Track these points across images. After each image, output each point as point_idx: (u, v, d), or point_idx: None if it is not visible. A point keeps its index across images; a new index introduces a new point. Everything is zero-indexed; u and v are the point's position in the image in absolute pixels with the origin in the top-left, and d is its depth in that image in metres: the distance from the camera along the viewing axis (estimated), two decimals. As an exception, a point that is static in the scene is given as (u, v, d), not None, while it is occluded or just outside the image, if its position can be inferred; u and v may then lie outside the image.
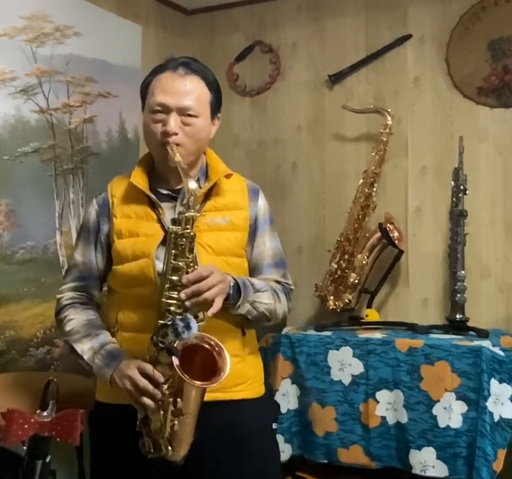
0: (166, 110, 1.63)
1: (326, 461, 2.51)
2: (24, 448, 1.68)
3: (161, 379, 1.50)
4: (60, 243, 2.66)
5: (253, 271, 1.76)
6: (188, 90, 1.64)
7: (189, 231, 1.53)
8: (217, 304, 1.53)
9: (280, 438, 2.52)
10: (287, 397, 2.58)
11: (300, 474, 2.64)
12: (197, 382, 1.47)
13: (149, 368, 1.52)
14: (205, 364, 1.51)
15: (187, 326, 1.48)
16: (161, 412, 1.51)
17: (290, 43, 3.26)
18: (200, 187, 1.70)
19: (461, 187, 2.68)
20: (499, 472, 2.26)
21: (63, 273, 2.64)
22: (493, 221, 2.85)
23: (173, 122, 1.62)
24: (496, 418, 2.28)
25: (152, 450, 1.54)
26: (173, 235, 1.53)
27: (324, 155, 3.17)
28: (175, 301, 1.52)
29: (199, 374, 1.48)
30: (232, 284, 1.60)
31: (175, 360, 1.47)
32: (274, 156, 3.27)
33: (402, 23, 3.02)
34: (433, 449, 2.32)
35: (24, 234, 2.51)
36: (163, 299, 1.52)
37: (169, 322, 1.49)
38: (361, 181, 2.89)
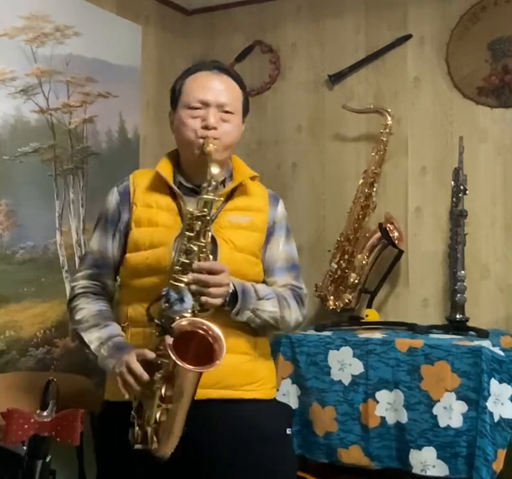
0: (205, 105, 1.67)
1: (326, 461, 2.51)
2: (24, 448, 1.68)
3: (152, 355, 1.48)
4: (60, 243, 2.66)
5: (265, 273, 1.75)
6: (225, 88, 1.70)
7: (205, 214, 1.54)
8: (216, 302, 1.53)
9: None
10: (288, 397, 2.57)
11: (300, 473, 2.64)
12: (187, 365, 1.43)
13: (147, 353, 1.50)
14: (203, 354, 1.47)
15: (181, 299, 1.47)
16: (155, 400, 1.48)
17: (290, 43, 3.26)
18: (223, 184, 1.73)
19: (461, 187, 2.68)
20: (499, 471, 2.26)
21: (63, 273, 2.66)
22: (493, 221, 2.85)
23: (213, 117, 1.66)
24: (496, 418, 2.28)
25: (139, 441, 1.50)
26: (189, 217, 1.54)
27: (324, 155, 3.17)
28: (182, 284, 1.50)
29: (196, 363, 1.45)
30: (230, 291, 1.59)
31: (168, 339, 1.44)
32: (274, 156, 3.27)
33: (402, 23, 3.02)
34: (434, 448, 2.32)
35: (24, 234, 2.51)
36: (171, 281, 1.52)
37: (163, 293, 1.48)
38: (361, 181, 2.89)
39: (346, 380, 2.50)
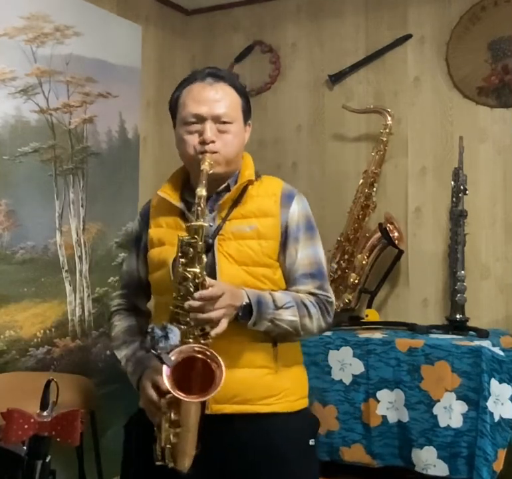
0: (200, 119, 1.63)
1: (328, 459, 2.51)
2: (24, 448, 1.68)
3: (164, 386, 1.46)
4: (60, 243, 2.66)
5: (287, 281, 1.68)
6: (219, 98, 1.65)
7: (196, 241, 1.49)
8: (222, 325, 1.49)
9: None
10: (287, 397, 2.58)
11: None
12: (181, 395, 1.42)
13: (161, 382, 1.48)
14: (206, 378, 1.46)
15: (166, 337, 1.44)
16: (163, 423, 1.50)
17: (290, 43, 3.27)
18: (228, 190, 1.68)
19: (461, 187, 2.68)
20: (499, 471, 2.26)
21: (63, 273, 2.66)
22: (493, 221, 2.85)
23: (210, 130, 1.61)
24: (496, 418, 2.28)
25: (159, 458, 1.51)
26: (180, 244, 1.51)
27: (324, 155, 3.17)
28: (182, 311, 1.49)
29: (201, 388, 1.44)
30: (243, 304, 1.54)
31: (166, 370, 1.43)
32: (274, 155, 3.27)
33: (402, 23, 3.02)
34: (434, 448, 2.32)
35: (24, 234, 2.51)
36: (172, 307, 1.50)
37: (149, 330, 1.45)
38: (361, 181, 2.89)
39: (347, 380, 2.50)
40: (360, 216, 2.84)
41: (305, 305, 1.63)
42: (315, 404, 2.53)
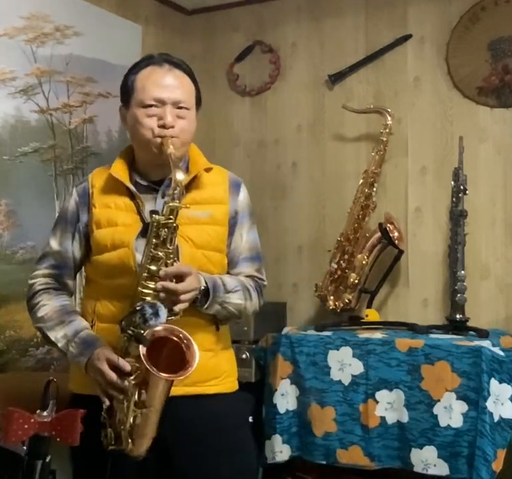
0: (161, 103, 1.66)
1: (324, 462, 2.50)
2: (24, 448, 1.68)
3: (127, 367, 1.50)
4: (60, 243, 2.66)
5: (229, 264, 1.76)
6: (178, 84, 1.69)
7: (171, 221, 1.54)
8: (185, 306, 1.55)
9: (278, 438, 2.52)
10: (286, 397, 2.57)
11: (300, 474, 2.64)
12: (163, 374, 1.44)
13: (122, 363, 1.51)
14: (173, 358, 1.49)
15: (156, 314, 1.47)
16: (125, 404, 1.50)
17: (290, 43, 3.26)
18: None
19: (461, 187, 2.68)
20: (499, 471, 2.26)
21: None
22: (493, 221, 2.85)
23: (170, 115, 1.65)
24: (496, 418, 2.28)
25: (113, 442, 1.52)
26: (155, 224, 1.54)
27: (324, 155, 3.17)
28: (151, 291, 1.52)
29: (167, 368, 1.46)
30: (202, 288, 1.60)
31: (142, 350, 1.45)
32: (274, 156, 3.27)
33: (402, 23, 3.02)
34: (434, 448, 2.32)
35: (24, 234, 2.51)
36: (140, 288, 1.53)
37: (138, 308, 1.48)
38: (361, 181, 2.89)
39: (346, 381, 2.50)
40: (360, 216, 2.84)
41: (248, 289, 1.73)
42: (313, 405, 2.52)
